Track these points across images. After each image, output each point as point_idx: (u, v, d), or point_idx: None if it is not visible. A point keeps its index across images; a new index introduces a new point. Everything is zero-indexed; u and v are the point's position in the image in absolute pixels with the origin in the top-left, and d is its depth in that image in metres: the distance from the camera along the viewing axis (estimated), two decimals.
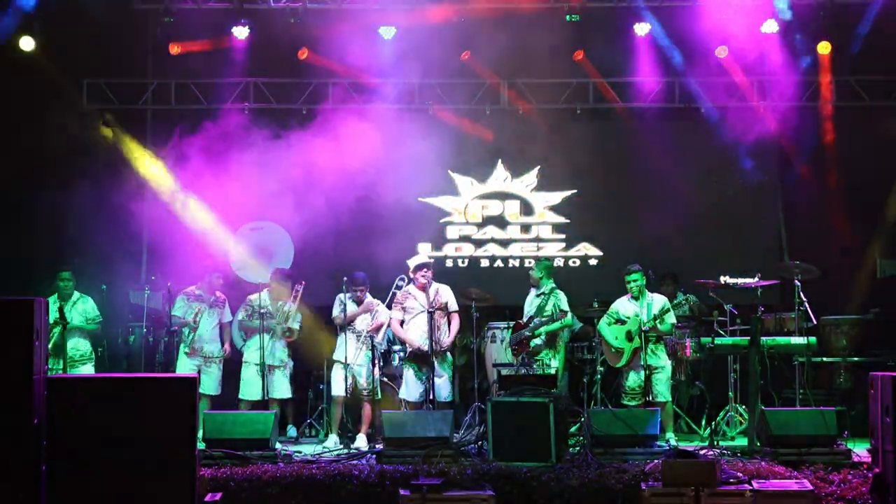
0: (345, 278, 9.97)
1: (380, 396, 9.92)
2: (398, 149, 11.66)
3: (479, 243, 12.75)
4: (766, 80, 11.85)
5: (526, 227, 12.77)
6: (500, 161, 12.68)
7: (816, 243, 11.54)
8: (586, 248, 12.65)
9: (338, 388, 9.86)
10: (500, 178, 12.78)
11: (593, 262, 12.62)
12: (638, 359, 9.76)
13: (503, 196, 12.76)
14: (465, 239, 12.75)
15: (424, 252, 12.03)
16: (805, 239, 11.82)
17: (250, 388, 9.97)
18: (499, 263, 12.63)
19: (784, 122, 11.77)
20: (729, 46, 11.50)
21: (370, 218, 11.79)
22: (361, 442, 9.67)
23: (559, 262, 12.43)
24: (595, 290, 11.42)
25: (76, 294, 10.19)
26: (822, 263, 10.38)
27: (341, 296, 10.01)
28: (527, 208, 12.73)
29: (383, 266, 10.78)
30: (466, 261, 12.69)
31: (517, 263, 12.60)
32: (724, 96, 11.95)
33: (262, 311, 9.95)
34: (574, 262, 12.61)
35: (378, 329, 10.02)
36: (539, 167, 12.60)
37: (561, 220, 12.69)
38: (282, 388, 10.17)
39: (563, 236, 12.69)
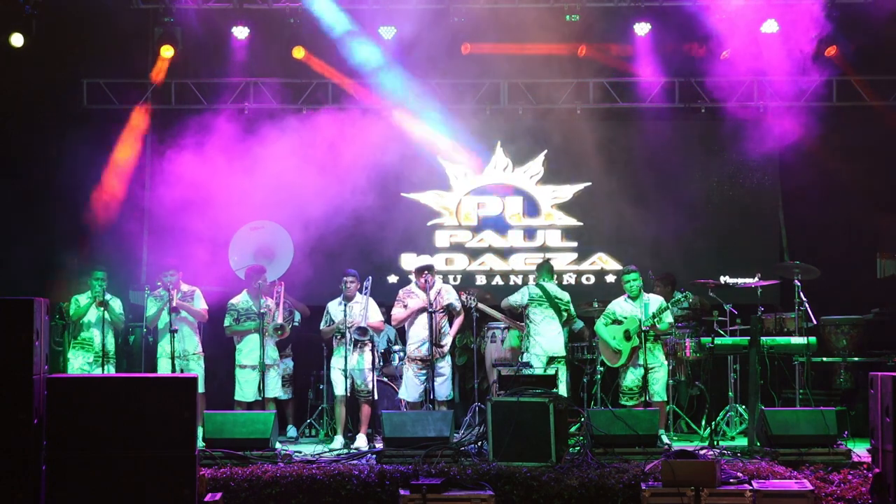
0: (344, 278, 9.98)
1: (377, 397, 9.91)
2: (392, 146, 11.52)
3: (474, 253, 11.90)
4: (766, 79, 11.84)
5: (530, 233, 11.94)
6: (499, 144, 11.99)
7: (816, 243, 11.54)
8: (602, 261, 11.80)
9: (339, 389, 9.85)
10: (499, 166, 11.91)
11: (611, 278, 11.74)
12: (636, 358, 9.77)
13: (503, 191, 12.01)
14: (458, 248, 11.90)
15: (408, 263, 11.61)
16: (805, 239, 11.82)
17: (246, 389, 9.94)
18: (498, 280, 11.77)
19: (785, 121, 11.75)
20: (729, 46, 11.50)
21: (362, 220, 11.60)
22: (361, 442, 9.67)
23: (570, 279, 11.77)
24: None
25: (107, 295, 10.16)
26: (822, 263, 10.38)
27: (330, 305, 9.97)
28: (531, 206, 11.99)
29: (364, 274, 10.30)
30: (459, 277, 11.88)
31: (519, 280, 11.82)
32: (724, 96, 11.94)
33: (262, 311, 9.92)
34: (588, 279, 11.89)
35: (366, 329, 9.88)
36: (545, 151, 11.94)
37: (572, 222, 11.95)
38: (276, 387, 10.11)
39: (574, 244, 11.87)
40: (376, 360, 9.90)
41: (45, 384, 6.67)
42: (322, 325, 10.08)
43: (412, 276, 10.19)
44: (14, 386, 6.51)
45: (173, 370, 9.72)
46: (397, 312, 10.03)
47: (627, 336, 9.84)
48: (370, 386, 9.81)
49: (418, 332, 9.87)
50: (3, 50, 11.18)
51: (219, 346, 10.38)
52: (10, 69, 11.23)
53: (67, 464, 6.63)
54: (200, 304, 10.18)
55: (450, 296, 10.00)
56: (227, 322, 10.07)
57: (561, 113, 12.13)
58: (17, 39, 11.19)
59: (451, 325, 9.99)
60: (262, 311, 9.89)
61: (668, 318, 9.88)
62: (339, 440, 9.77)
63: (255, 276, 10.14)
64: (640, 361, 9.72)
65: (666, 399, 9.89)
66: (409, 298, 9.97)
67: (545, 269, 10.61)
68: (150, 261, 11.71)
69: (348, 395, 9.83)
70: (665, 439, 9.49)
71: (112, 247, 11.18)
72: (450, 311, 9.98)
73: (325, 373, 10.32)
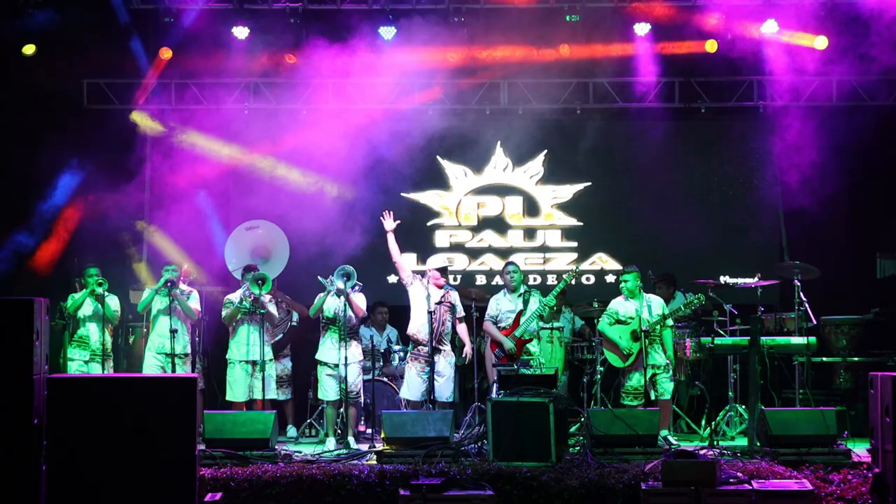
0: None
1: (361, 399, 9.89)
2: (392, 146, 11.50)
3: (474, 253, 11.92)
4: (766, 79, 11.84)
5: (530, 233, 11.95)
6: (499, 144, 11.98)
7: (816, 243, 11.53)
8: (602, 261, 11.81)
9: (331, 393, 9.77)
10: (499, 166, 11.92)
11: (610, 278, 11.74)
12: (641, 359, 9.75)
13: (503, 190, 11.98)
14: (458, 248, 11.92)
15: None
16: (805, 239, 11.82)
17: (235, 388, 9.89)
18: (498, 280, 11.62)
19: (785, 121, 11.76)
20: (729, 45, 11.52)
21: (362, 220, 11.53)
22: (351, 443, 9.64)
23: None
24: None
25: (105, 293, 10.12)
26: (822, 263, 10.38)
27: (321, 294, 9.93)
28: (531, 206, 12.01)
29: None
30: (459, 277, 11.87)
31: None
32: (724, 96, 11.95)
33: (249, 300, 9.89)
34: (588, 279, 11.88)
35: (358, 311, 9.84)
36: (545, 151, 11.95)
37: (572, 222, 11.96)
38: (269, 388, 10.01)
39: (574, 244, 11.90)
40: (362, 356, 9.83)
41: (45, 384, 6.67)
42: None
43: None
44: (14, 386, 6.51)
45: (173, 368, 9.73)
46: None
47: (634, 337, 9.81)
48: (358, 387, 9.77)
49: (420, 316, 9.70)
50: (6, 53, 11.20)
51: (220, 349, 10.37)
52: (11, 70, 11.25)
53: (67, 464, 6.63)
54: (195, 305, 10.18)
55: (454, 298, 9.93)
56: (223, 314, 10.05)
57: (561, 113, 12.11)
58: (28, 49, 11.25)
59: (454, 326, 9.92)
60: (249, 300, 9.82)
61: (669, 322, 9.91)
62: (331, 441, 9.72)
63: (249, 275, 10.16)
64: (645, 363, 9.72)
65: (670, 396, 9.89)
66: (414, 283, 9.82)
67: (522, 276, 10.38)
68: (150, 261, 11.72)
69: (339, 398, 9.77)
70: (672, 440, 9.46)
71: (112, 247, 11.18)
72: (453, 311, 9.88)
73: (315, 373, 10.20)
